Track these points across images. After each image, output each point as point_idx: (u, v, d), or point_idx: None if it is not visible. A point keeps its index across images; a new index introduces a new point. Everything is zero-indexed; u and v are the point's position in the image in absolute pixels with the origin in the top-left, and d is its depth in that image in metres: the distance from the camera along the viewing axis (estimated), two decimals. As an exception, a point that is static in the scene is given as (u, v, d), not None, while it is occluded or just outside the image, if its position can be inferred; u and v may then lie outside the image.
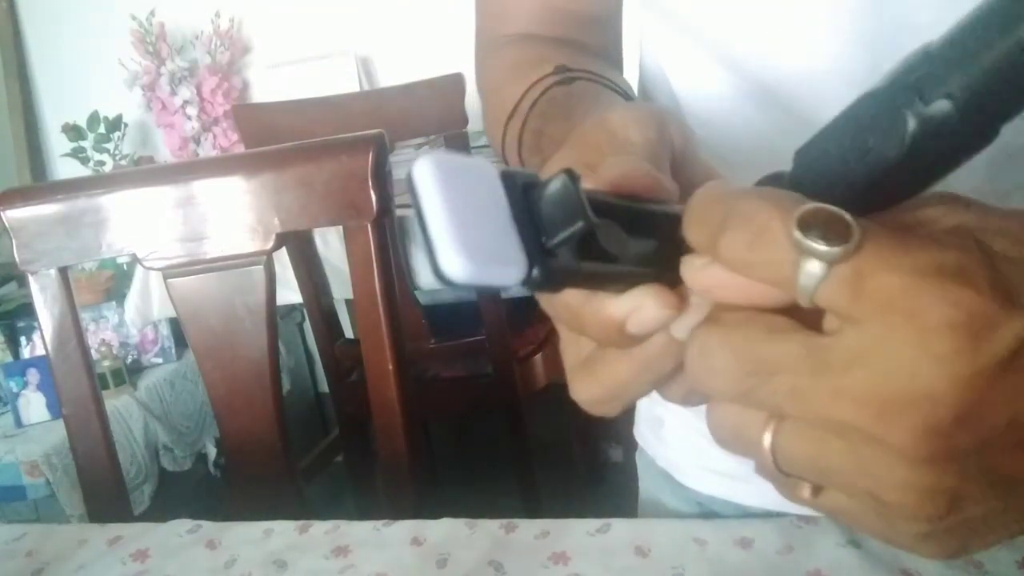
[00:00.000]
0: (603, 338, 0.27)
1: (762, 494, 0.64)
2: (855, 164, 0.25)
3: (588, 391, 0.29)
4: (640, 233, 0.27)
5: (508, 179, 0.24)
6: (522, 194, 0.24)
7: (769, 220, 0.23)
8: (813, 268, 0.23)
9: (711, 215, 0.25)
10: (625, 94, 0.47)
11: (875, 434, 0.23)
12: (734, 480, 0.64)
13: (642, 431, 0.72)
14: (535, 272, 0.23)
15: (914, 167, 0.24)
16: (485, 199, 0.23)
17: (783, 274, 0.23)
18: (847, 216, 0.23)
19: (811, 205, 0.23)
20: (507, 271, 0.23)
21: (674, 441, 0.68)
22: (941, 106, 0.23)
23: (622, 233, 0.26)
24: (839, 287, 0.23)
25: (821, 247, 0.22)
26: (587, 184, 0.26)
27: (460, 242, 0.22)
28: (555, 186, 0.24)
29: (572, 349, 0.30)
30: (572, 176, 0.24)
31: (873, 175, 0.25)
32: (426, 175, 0.22)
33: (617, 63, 0.59)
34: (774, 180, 0.28)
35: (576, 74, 0.47)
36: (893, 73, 0.25)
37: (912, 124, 0.24)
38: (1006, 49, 0.22)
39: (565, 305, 0.27)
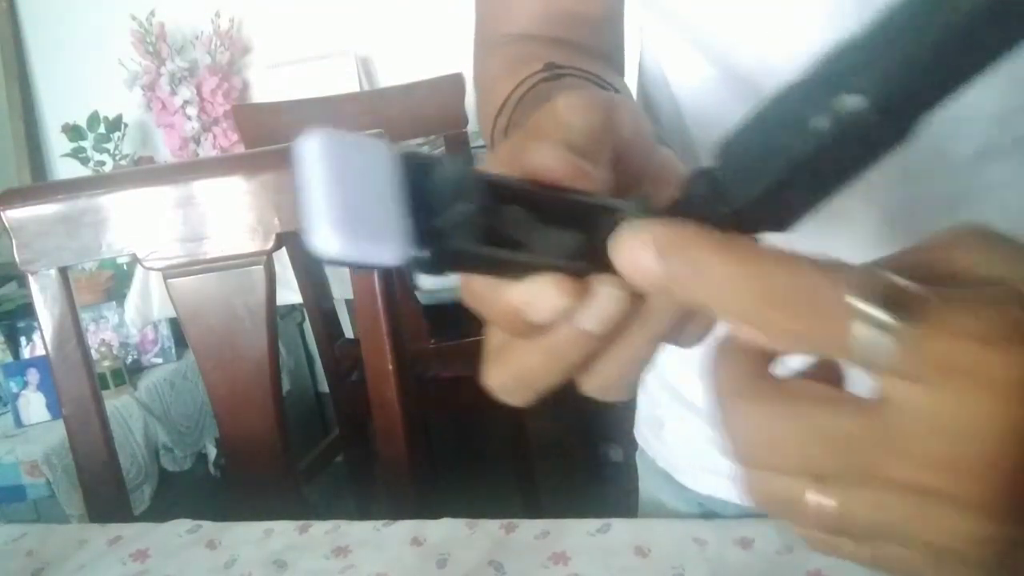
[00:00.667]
0: (506, 326, 0.27)
1: None
2: (774, 161, 0.25)
3: (497, 378, 0.29)
4: (559, 222, 0.27)
5: (403, 160, 0.24)
6: (418, 175, 0.24)
7: (827, 291, 0.23)
8: (875, 337, 0.23)
9: (746, 284, 0.24)
10: (613, 88, 0.47)
11: (948, 494, 0.23)
12: (732, 480, 0.64)
13: (642, 432, 0.72)
14: (418, 252, 0.23)
15: (829, 163, 0.24)
16: (375, 178, 0.23)
17: (842, 344, 0.23)
18: (904, 282, 0.23)
19: (867, 273, 0.23)
20: (386, 249, 0.23)
21: (674, 442, 0.68)
22: (854, 101, 0.23)
23: (532, 220, 0.26)
24: (903, 354, 0.23)
25: (883, 316, 0.23)
26: (502, 171, 0.26)
27: (334, 216, 0.22)
28: (448, 167, 0.24)
29: (492, 334, 0.30)
30: (466, 158, 0.24)
31: (791, 172, 0.24)
32: (312, 149, 0.22)
33: (618, 65, 0.58)
34: (704, 177, 0.27)
35: (566, 71, 0.47)
36: (813, 67, 0.24)
37: (824, 120, 0.23)
38: (918, 44, 0.22)
39: (471, 292, 0.27)
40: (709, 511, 0.67)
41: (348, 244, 0.22)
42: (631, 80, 0.62)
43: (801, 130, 0.24)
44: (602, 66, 0.50)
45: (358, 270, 0.22)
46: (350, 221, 0.22)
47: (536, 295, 0.25)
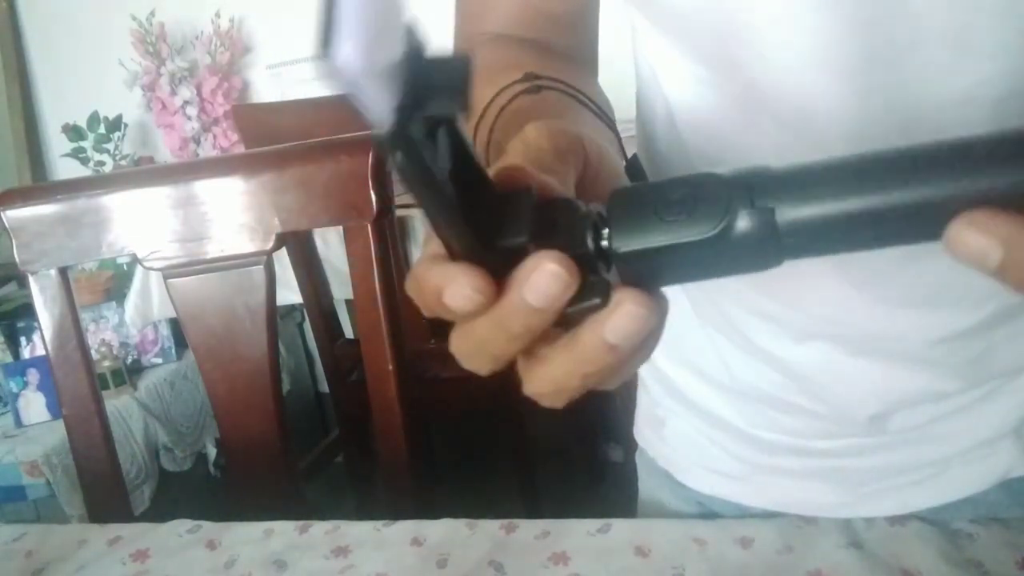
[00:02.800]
0: (432, 307, 0.29)
1: (762, 494, 0.64)
2: (664, 223, 0.27)
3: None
4: (477, 188, 0.28)
5: (411, 33, 0.24)
6: (418, 59, 0.24)
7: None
8: None
9: None
10: (590, 102, 0.47)
11: None
12: (735, 480, 0.64)
13: (643, 431, 0.72)
14: (393, 124, 0.23)
15: (712, 250, 0.27)
16: (393, 31, 0.23)
17: None
18: None
19: None
20: (381, 99, 0.23)
21: (675, 441, 0.68)
22: (763, 214, 0.26)
23: (464, 178, 0.27)
24: None
25: None
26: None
27: (362, 38, 0.21)
28: (452, 61, 0.25)
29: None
30: (468, 61, 0.25)
31: (672, 239, 0.27)
32: None
33: (591, 64, 0.59)
34: (567, 207, 0.29)
35: (544, 83, 0.47)
36: (739, 169, 0.27)
37: (741, 218, 0.26)
38: (841, 203, 0.26)
39: (415, 275, 0.29)
40: (709, 511, 0.67)
41: (361, 69, 0.22)
42: (627, 81, 0.61)
43: (707, 211, 0.27)
44: (576, 71, 0.51)
45: (357, 104, 0.22)
46: (371, 51, 0.22)
47: (452, 282, 0.27)
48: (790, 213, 0.26)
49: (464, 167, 0.27)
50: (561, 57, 0.55)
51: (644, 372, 0.70)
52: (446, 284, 0.28)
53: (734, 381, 0.60)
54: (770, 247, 0.27)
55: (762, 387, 0.59)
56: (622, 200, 0.28)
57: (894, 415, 0.57)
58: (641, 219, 0.28)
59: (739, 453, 0.64)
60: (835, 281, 0.50)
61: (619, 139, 0.47)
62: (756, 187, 0.27)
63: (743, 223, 0.26)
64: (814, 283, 0.51)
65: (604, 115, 0.48)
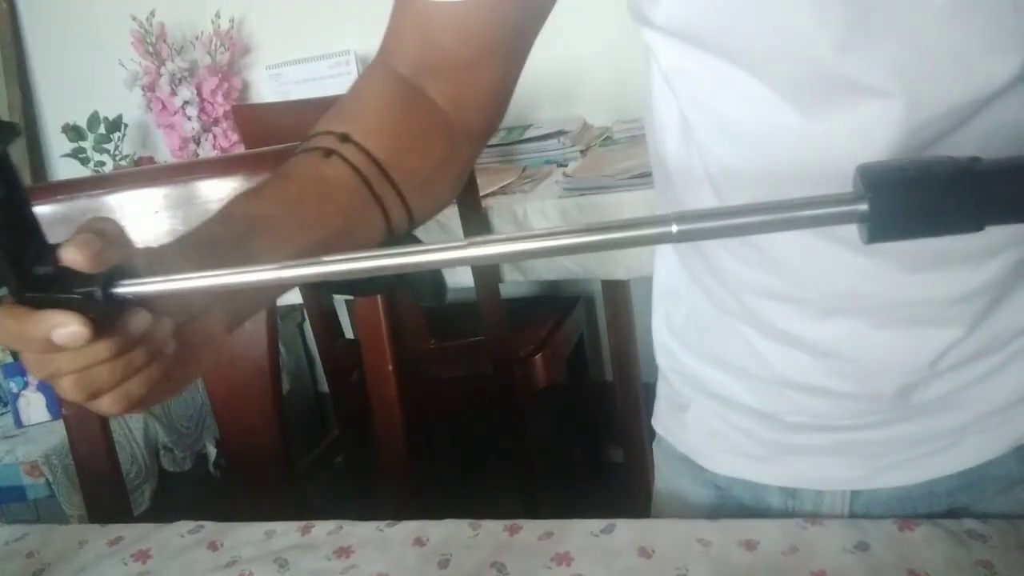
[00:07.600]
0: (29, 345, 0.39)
1: (780, 472, 0.65)
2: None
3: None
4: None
5: None
6: None
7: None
8: None
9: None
10: (392, 186, 0.53)
11: None
12: (754, 459, 0.66)
13: (663, 420, 0.73)
14: None
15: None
16: None
17: None
18: None
19: None
20: None
21: (697, 426, 0.69)
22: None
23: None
24: None
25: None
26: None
27: None
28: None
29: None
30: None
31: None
32: None
33: (481, 119, 0.60)
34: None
35: (347, 151, 0.52)
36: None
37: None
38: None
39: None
40: (726, 494, 0.68)
41: None
42: (628, 80, 0.61)
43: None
44: (432, 140, 0.56)
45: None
46: None
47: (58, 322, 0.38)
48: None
49: (13, 199, 0.35)
50: (436, 118, 0.57)
51: (664, 366, 0.72)
52: (54, 325, 0.37)
53: (761, 368, 0.61)
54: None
55: (789, 372, 0.60)
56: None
57: (916, 387, 0.58)
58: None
59: (760, 435, 0.65)
60: (848, 253, 0.51)
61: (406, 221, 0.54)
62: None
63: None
64: (828, 257, 0.52)
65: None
